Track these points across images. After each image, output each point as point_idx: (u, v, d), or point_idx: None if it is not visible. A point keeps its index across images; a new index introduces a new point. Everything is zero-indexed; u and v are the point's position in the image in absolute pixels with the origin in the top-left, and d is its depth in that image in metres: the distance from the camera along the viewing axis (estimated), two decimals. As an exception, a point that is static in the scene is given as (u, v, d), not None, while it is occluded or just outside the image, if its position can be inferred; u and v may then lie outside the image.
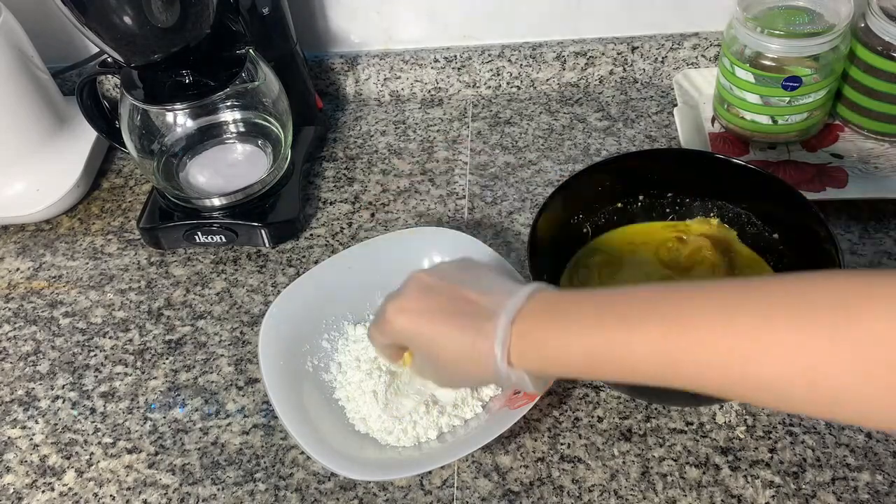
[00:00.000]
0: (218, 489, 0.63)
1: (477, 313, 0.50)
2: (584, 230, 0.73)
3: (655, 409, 0.64)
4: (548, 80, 0.95)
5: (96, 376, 0.72)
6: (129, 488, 0.64)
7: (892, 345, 0.36)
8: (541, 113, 0.93)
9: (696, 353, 0.42)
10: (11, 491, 0.65)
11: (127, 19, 0.68)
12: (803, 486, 0.59)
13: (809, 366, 0.38)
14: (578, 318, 0.47)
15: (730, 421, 0.63)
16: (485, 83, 0.96)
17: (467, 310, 0.51)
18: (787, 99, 0.77)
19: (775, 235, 0.69)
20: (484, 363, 0.49)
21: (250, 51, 0.77)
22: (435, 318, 0.52)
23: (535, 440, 0.63)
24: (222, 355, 0.72)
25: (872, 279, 0.38)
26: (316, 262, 0.78)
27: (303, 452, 0.64)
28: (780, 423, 0.63)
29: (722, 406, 0.64)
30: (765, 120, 0.80)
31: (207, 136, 0.85)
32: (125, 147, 0.81)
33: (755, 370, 0.40)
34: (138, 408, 0.69)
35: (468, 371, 0.51)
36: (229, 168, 0.84)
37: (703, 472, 0.60)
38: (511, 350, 0.48)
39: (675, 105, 0.90)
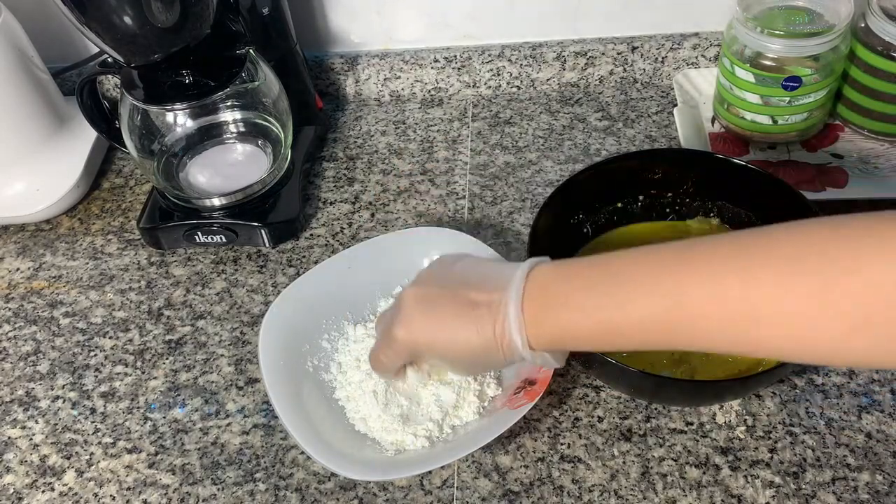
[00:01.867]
0: (218, 489, 0.63)
1: (485, 309, 0.51)
2: (584, 230, 0.73)
3: (655, 409, 0.64)
4: (548, 80, 0.95)
5: (96, 376, 0.72)
6: (129, 488, 0.64)
7: (885, 288, 0.37)
8: (541, 113, 0.93)
9: (690, 321, 0.44)
10: (11, 491, 0.65)
11: (127, 19, 0.68)
12: (803, 486, 0.59)
13: (799, 324, 0.40)
14: (577, 296, 0.48)
15: (730, 421, 0.63)
16: (485, 83, 0.96)
17: (474, 311, 0.51)
18: (787, 99, 0.77)
19: (775, 235, 0.69)
20: (507, 352, 0.51)
21: (250, 51, 0.77)
22: (446, 327, 0.53)
23: (535, 440, 0.63)
24: (222, 355, 0.72)
25: (852, 230, 0.40)
26: (316, 262, 0.78)
27: (303, 452, 0.64)
28: (780, 423, 0.63)
29: (722, 406, 0.64)
30: (765, 120, 0.80)
31: (207, 136, 0.85)
32: (125, 147, 0.81)
33: (754, 332, 0.42)
34: (138, 408, 0.69)
35: (491, 362, 0.54)
36: (229, 168, 0.84)
37: (703, 472, 0.60)
38: (528, 336, 0.50)
39: (675, 105, 0.90)
